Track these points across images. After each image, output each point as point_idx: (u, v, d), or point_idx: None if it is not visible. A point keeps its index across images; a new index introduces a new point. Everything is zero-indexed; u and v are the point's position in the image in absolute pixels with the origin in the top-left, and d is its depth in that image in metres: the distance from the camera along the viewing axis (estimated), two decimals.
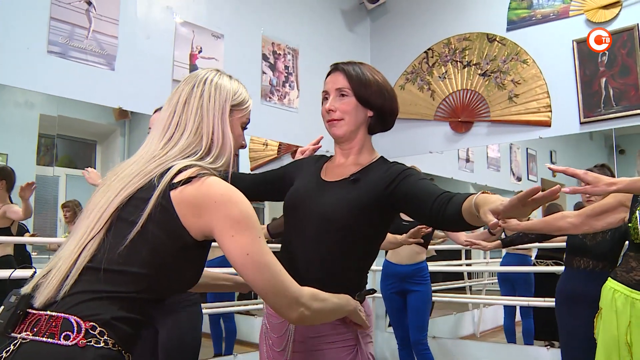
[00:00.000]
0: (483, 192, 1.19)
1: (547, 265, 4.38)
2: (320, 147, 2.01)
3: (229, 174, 1.25)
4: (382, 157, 1.63)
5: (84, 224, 1.12)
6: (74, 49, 3.05)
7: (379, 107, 1.58)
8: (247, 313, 4.83)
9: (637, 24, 3.74)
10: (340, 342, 1.49)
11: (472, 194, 1.24)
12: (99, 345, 1.00)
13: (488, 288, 5.75)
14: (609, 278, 2.37)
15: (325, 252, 1.49)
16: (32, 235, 3.09)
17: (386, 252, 3.90)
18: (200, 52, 3.70)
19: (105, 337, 1.02)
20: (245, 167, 4.33)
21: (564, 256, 3.06)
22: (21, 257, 3.14)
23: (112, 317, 1.03)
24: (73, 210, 3.28)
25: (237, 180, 1.81)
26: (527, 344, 4.41)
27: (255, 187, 1.78)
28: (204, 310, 3.56)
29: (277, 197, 1.76)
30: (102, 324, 1.02)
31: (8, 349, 0.97)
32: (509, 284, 4.71)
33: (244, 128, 1.32)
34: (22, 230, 3.09)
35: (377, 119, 1.60)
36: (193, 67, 3.64)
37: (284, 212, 1.63)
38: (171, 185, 1.09)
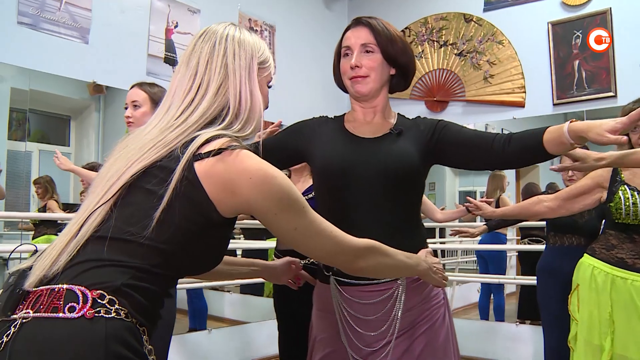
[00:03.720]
0: (572, 121, 1.27)
1: (531, 243, 4.43)
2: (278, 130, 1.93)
3: (259, 142, 1.14)
4: (399, 114, 1.60)
5: (89, 199, 1.01)
6: (46, 20, 2.99)
7: (404, 65, 1.52)
8: (219, 289, 4.85)
9: (610, 8, 3.81)
10: (434, 300, 1.47)
11: (547, 127, 1.33)
12: (109, 316, 0.88)
13: (461, 266, 5.84)
14: (586, 254, 2.38)
15: (393, 208, 1.44)
16: None
17: None
18: (176, 27, 3.66)
19: (117, 306, 0.90)
20: None
21: (548, 234, 3.05)
22: None
23: (122, 284, 0.91)
24: (44, 186, 3.26)
25: None
26: (499, 321, 4.51)
27: (284, 159, 1.65)
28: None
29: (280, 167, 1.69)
30: (112, 291, 0.90)
31: (8, 332, 0.85)
32: (483, 261, 4.79)
33: (268, 87, 1.22)
34: None
35: (399, 77, 1.55)
36: (169, 42, 3.60)
37: (323, 181, 1.53)
38: (196, 156, 0.98)
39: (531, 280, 4.28)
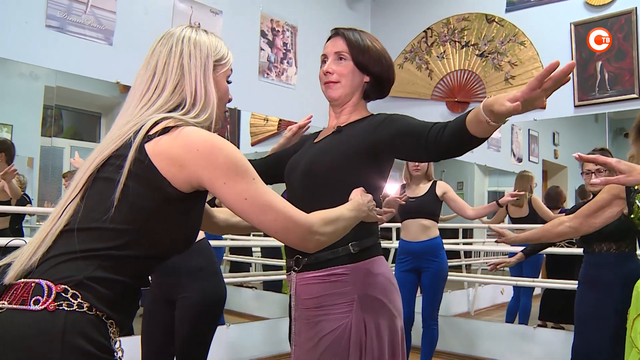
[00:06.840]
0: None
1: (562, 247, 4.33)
2: (309, 124, 2.04)
3: (211, 129, 1.19)
4: (372, 114, 1.65)
5: (64, 197, 1.09)
6: (72, 23, 3.12)
7: (376, 74, 1.62)
8: (240, 285, 4.95)
9: (635, 8, 3.74)
10: (338, 306, 1.48)
11: (472, 109, 1.27)
12: (70, 309, 0.94)
13: (484, 267, 5.81)
14: None
15: (312, 203, 1.44)
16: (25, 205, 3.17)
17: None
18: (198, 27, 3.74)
19: (80, 300, 0.96)
20: (246, 142, 4.40)
21: (581, 242, 2.94)
22: (9, 231, 3.18)
23: (85, 277, 0.97)
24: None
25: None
26: (522, 323, 4.48)
27: (270, 171, 1.76)
28: None
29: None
30: (75, 285, 0.96)
31: None
32: (517, 265, 4.65)
33: (228, 82, 1.29)
34: (24, 202, 3.19)
35: (373, 85, 1.64)
36: None
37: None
38: (146, 138, 1.05)
39: (554, 283, 4.26)
